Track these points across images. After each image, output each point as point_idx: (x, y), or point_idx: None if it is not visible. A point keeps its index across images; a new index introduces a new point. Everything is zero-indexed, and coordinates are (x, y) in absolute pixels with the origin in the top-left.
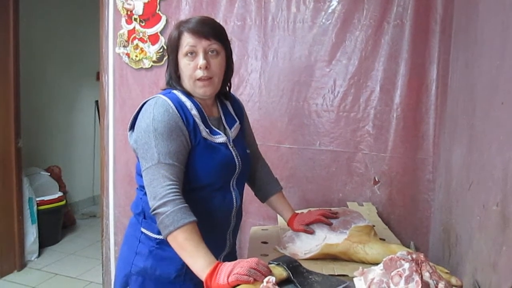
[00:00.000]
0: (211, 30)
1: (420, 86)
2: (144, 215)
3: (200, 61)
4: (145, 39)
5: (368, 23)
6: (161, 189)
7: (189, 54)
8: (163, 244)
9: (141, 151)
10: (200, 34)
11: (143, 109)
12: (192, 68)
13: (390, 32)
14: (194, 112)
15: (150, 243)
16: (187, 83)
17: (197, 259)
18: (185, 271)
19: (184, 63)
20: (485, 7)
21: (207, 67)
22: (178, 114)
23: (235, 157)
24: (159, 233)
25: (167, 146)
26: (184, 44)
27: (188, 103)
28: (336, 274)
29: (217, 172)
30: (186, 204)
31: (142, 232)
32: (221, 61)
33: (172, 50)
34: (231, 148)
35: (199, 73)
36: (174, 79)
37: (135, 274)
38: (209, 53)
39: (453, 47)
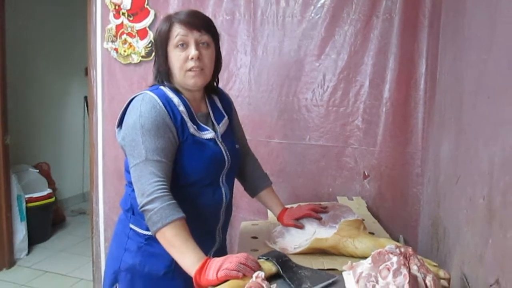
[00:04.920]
0: (202, 22)
1: (409, 80)
2: (133, 211)
3: (192, 51)
4: (134, 33)
5: (357, 18)
6: (148, 186)
7: (180, 46)
8: (152, 240)
9: (128, 148)
10: (192, 26)
11: (130, 105)
12: (183, 59)
13: (379, 27)
14: (181, 108)
15: (139, 240)
16: (177, 75)
17: (186, 255)
18: (174, 268)
19: (175, 55)
20: (473, 1)
21: (198, 58)
22: (166, 110)
23: (224, 153)
24: (147, 229)
25: (155, 142)
26: (174, 35)
27: (175, 99)
28: (325, 268)
29: (206, 168)
30: (174, 201)
31: (131, 229)
32: (211, 53)
33: (162, 42)
34: (219, 144)
35: (190, 64)
36: (163, 72)
37: (124, 271)
38: (200, 44)
39: (441, 41)
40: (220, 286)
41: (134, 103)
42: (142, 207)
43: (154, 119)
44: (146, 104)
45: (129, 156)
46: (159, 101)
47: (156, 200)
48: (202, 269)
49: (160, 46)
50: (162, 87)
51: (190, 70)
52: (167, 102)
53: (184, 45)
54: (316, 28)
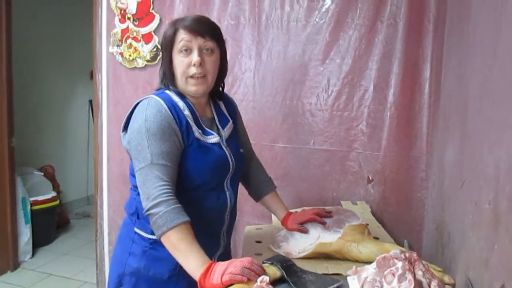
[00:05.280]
0: (206, 28)
1: (413, 85)
2: (137, 215)
3: (194, 58)
4: (139, 38)
5: (362, 22)
6: (154, 190)
7: (183, 51)
8: (157, 244)
9: (134, 152)
10: (196, 32)
11: (135, 110)
12: (185, 64)
13: (384, 31)
14: (186, 112)
15: (144, 243)
16: (180, 80)
17: (190, 259)
18: (178, 271)
19: (178, 60)
20: (477, 6)
21: (201, 64)
22: (171, 114)
23: (229, 157)
24: (152, 233)
25: (160, 146)
26: (179, 40)
27: (180, 104)
28: (330, 273)
29: (211, 172)
30: (179, 205)
31: (135, 232)
32: (215, 59)
33: (167, 47)
34: (224, 148)
35: (193, 70)
36: (168, 77)
37: (129, 275)
38: (204, 51)
39: (446, 46)
40: None
41: (139, 107)
42: (147, 211)
43: (160, 123)
44: (151, 108)
45: (135, 160)
46: (164, 105)
47: (161, 204)
48: (206, 273)
49: (165, 50)
50: (167, 91)
51: (192, 77)
52: (172, 107)
53: (187, 51)
54: (320, 33)
